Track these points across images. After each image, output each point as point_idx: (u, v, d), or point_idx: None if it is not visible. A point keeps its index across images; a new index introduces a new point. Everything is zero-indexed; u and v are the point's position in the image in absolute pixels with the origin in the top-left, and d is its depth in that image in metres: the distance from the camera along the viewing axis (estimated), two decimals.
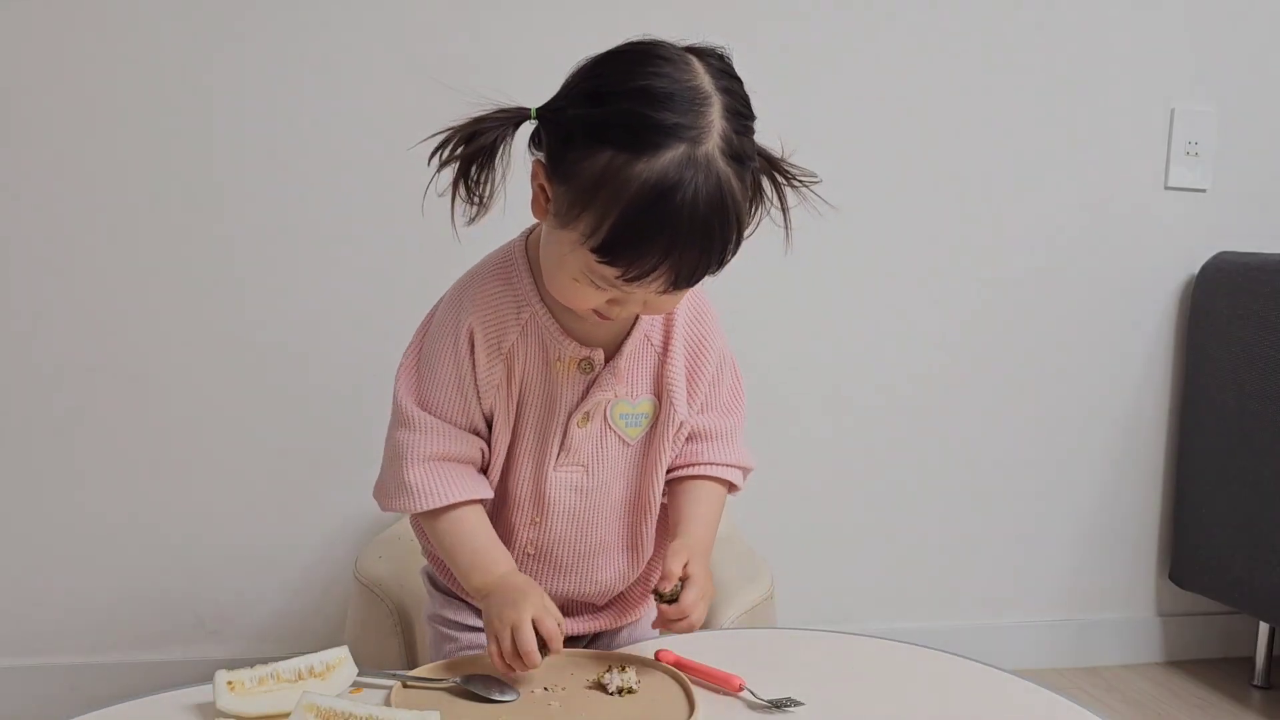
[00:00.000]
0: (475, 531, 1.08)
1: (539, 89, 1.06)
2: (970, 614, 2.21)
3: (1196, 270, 2.20)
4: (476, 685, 0.97)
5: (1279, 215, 2.26)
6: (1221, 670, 2.26)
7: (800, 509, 2.11)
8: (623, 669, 1.00)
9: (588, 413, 1.09)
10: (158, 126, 1.79)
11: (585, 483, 1.11)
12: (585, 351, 1.07)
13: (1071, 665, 2.25)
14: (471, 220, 1.03)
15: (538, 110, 1.02)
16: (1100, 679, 2.21)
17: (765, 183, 1.09)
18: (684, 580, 1.03)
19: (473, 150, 1.03)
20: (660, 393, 1.12)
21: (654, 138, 0.91)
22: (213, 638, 1.92)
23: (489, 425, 1.10)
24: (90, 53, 1.76)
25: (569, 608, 1.19)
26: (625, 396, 1.10)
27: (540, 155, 1.00)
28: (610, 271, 0.94)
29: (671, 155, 0.90)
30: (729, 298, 2.04)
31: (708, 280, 1.03)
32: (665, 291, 0.97)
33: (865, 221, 2.08)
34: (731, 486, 1.18)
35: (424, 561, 1.30)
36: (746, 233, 1.02)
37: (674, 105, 0.92)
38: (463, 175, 1.03)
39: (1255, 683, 2.18)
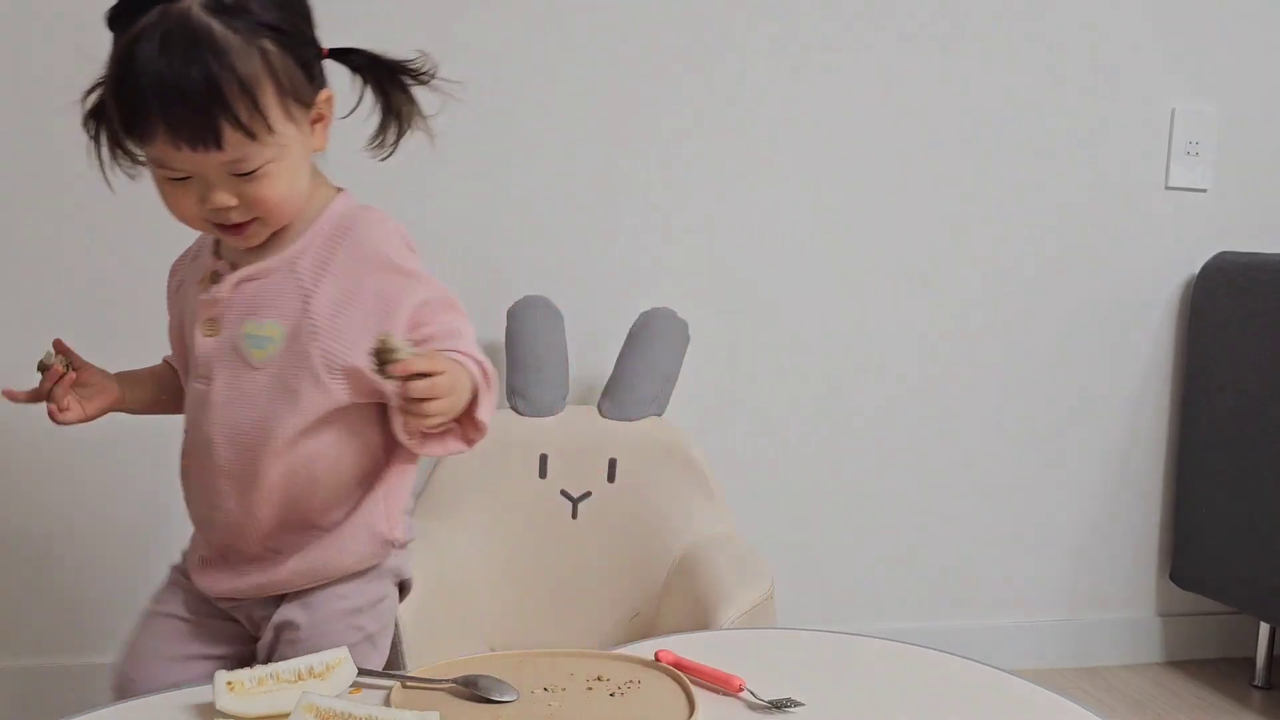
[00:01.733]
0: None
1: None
2: (970, 614, 2.21)
3: (1197, 270, 2.20)
4: (476, 686, 0.97)
5: (1279, 216, 2.26)
6: (1222, 670, 2.26)
7: (800, 509, 2.11)
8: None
9: (213, 321, 1.12)
10: None
11: (209, 396, 1.12)
12: (215, 264, 1.14)
13: (1071, 665, 2.25)
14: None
15: None
16: (1100, 679, 2.20)
17: (394, 89, 1.17)
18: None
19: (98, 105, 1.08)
20: (299, 324, 1.09)
21: (132, 12, 0.98)
22: None
23: None
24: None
25: (229, 555, 1.18)
26: (252, 316, 1.10)
27: None
28: (142, 148, 1.02)
29: (145, 18, 0.97)
30: (729, 298, 2.05)
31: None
32: (183, 149, 0.99)
33: (864, 221, 2.08)
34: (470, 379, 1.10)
35: (420, 562, 1.32)
36: (344, 115, 1.12)
37: None
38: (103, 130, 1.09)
39: (1255, 683, 2.18)
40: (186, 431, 1.18)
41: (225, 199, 1.04)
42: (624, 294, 1.96)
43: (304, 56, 1.06)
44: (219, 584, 1.19)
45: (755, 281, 2.05)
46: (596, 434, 1.76)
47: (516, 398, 1.78)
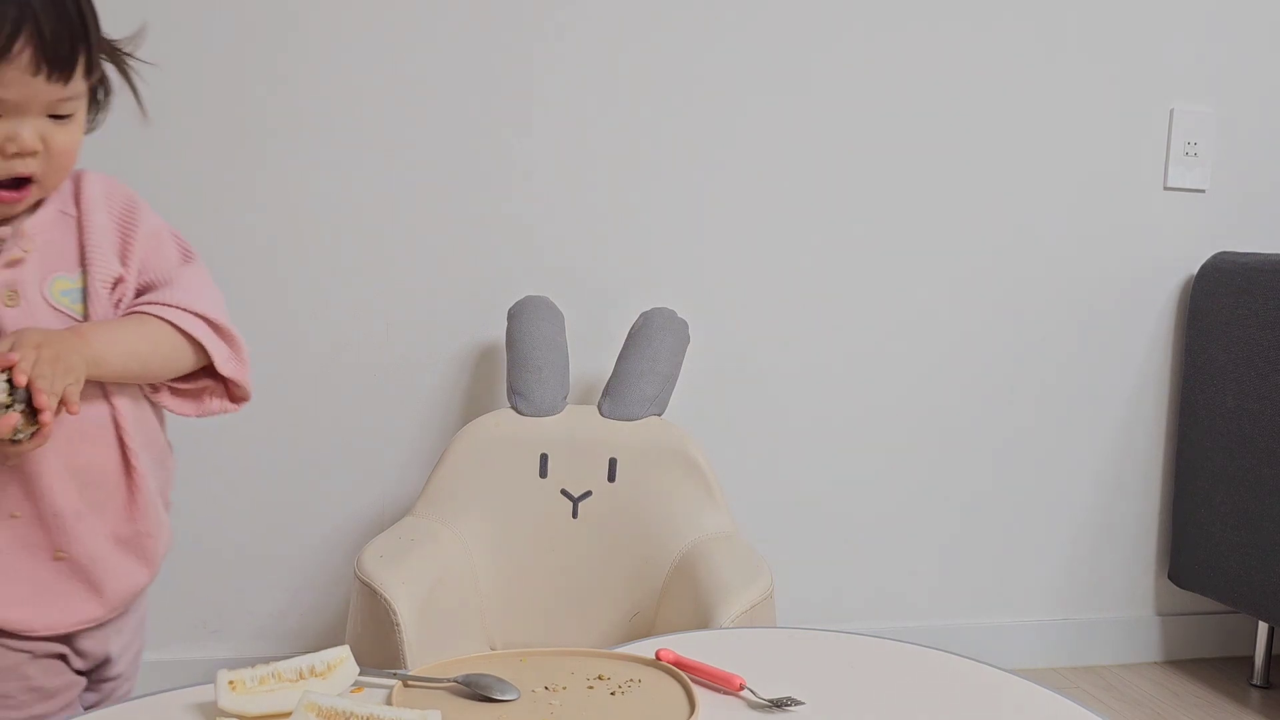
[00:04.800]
0: None
1: None
2: (970, 613, 2.21)
3: (1195, 271, 2.21)
4: (477, 684, 0.98)
5: (1278, 216, 2.26)
6: (1220, 670, 2.26)
7: (800, 509, 2.11)
8: None
9: (12, 290, 1.03)
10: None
11: None
12: None
13: (1070, 665, 2.25)
14: None
15: None
16: (1099, 678, 2.21)
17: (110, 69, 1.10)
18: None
19: None
20: (86, 263, 1.06)
21: None
22: (214, 637, 1.92)
23: None
24: None
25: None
26: (61, 272, 1.05)
27: None
28: None
29: None
30: (730, 299, 2.05)
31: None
32: (43, 76, 0.96)
33: (863, 221, 2.08)
34: (184, 337, 1.07)
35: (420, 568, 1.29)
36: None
37: None
38: None
39: (1254, 682, 2.18)
40: None
41: (34, 141, 0.99)
42: (624, 294, 1.97)
43: None
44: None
45: (755, 281, 2.06)
46: (597, 434, 1.77)
47: (517, 397, 1.78)
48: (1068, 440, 2.22)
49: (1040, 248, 2.16)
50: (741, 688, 0.99)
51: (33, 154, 0.99)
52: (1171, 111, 2.18)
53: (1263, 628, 2.17)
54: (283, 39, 1.83)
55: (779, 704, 0.97)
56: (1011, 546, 2.22)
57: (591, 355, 1.95)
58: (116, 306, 1.07)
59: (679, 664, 1.03)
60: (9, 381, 0.94)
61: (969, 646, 1.32)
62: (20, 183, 1.01)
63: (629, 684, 0.99)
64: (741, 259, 2.04)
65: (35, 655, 1.07)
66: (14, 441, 0.95)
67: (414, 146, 1.89)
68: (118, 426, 1.08)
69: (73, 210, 1.07)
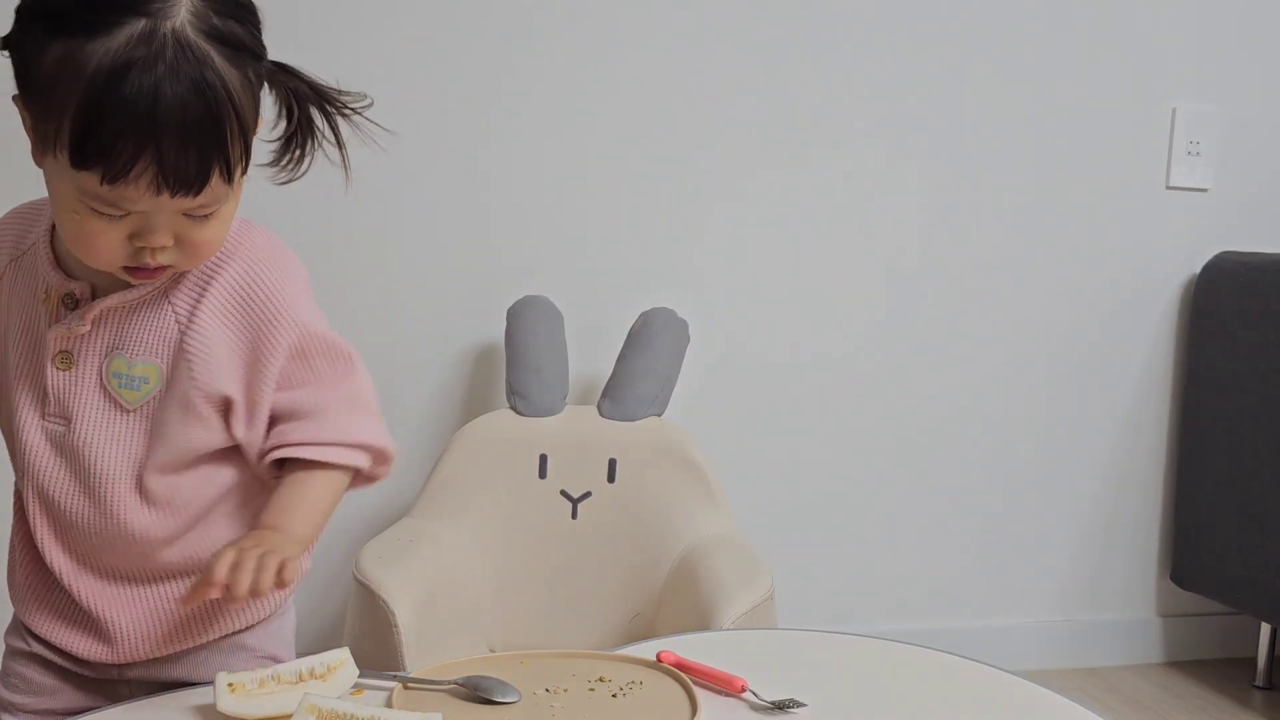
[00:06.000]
0: None
1: None
2: (971, 614, 2.21)
3: (1198, 270, 2.20)
4: (478, 686, 0.97)
5: None
6: (1222, 671, 2.25)
7: (801, 509, 2.11)
8: None
9: (67, 354, 0.97)
10: None
11: (67, 439, 0.98)
12: (69, 284, 0.97)
13: (1072, 666, 2.25)
14: None
15: (2, 39, 0.90)
16: (1101, 679, 2.20)
17: (316, 116, 1.03)
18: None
19: None
20: (174, 362, 0.97)
21: (105, 16, 0.83)
22: None
23: None
24: None
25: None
26: (123, 353, 0.97)
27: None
28: (92, 181, 0.84)
29: (128, 31, 0.82)
30: (730, 299, 2.05)
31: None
32: (166, 194, 0.85)
33: (863, 221, 2.08)
34: (346, 470, 1.02)
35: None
36: (270, 140, 0.98)
37: None
38: None
39: (1256, 683, 2.18)
40: (22, 472, 1.01)
41: (166, 239, 0.90)
42: (624, 294, 1.96)
43: (261, 83, 0.95)
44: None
45: (755, 281, 2.05)
46: (596, 434, 1.76)
47: (516, 398, 1.78)
48: (1069, 440, 2.22)
49: (1042, 247, 2.16)
50: (743, 690, 0.99)
51: (163, 249, 0.91)
52: (1174, 110, 2.18)
53: (1265, 629, 2.17)
54: (281, 38, 1.82)
55: (781, 706, 0.96)
56: (1013, 547, 2.22)
57: (591, 355, 1.94)
58: (226, 417, 0.99)
59: (680, 666, 1.03)
60: None
61: (971, 647, 1.31)
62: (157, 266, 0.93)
63: (630, 686, 0.99)
64: (741, 259, 2.04)
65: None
66: None
67: (413, 146, 1.88)
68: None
69: (184, 307, 0.97)
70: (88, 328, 0.96)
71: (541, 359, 1.79)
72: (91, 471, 0.98)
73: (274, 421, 1.01)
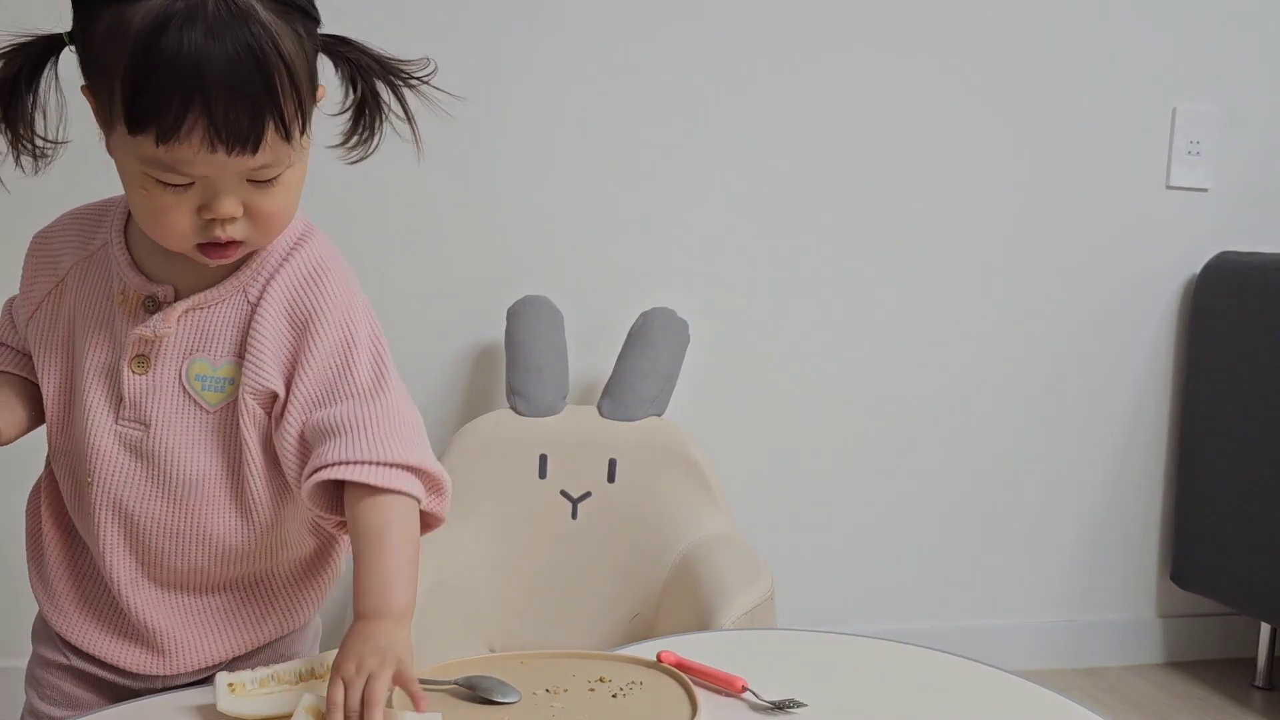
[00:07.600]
0: None
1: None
2: (971, 615, 2.21)
3: (1198, 270, 2.20)
4: (478, 687, 0.97)
5: None
6: (1222, 671, 2.25)
7: (801, 510, 2.11)
8: None
9: (144, 358, 0.95)
10: None
11: (146, 444, 0.96)
12: (151, 287, 0.96)
13: (1072, 666, 2.25)
14: (38, 170, 0.93)
15: (70, 33, 0.90)
16: (1101, 680, 2.20)
17: (382, 88, 1.01)
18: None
19: None
20: (243, 354, 0.95)
21: None
22: None
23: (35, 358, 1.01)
24: None
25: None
26: (205, 354, 0.95)
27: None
28: (149, 145, 0.84)
29: None
30: (730, 299, 2.05)
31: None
32: (222, 151, 0.84)
33: (863, 221, 2.08)
34: (407, 497, 0.95)
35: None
36: (336, 114, 0.97)
37: None
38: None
39: (1256, 684, 2.18)
40: (90, 478, 0.98)
41: (234, 208, 0.88)
42: (624, 294, 1.96)
43: (315, 44, 0.93)
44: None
45: (755, 281, 2.05)
46: (596, 434, 1.76)
47: (516, 398, 1.78)
48: (1070, 441, 2.22)
49: (1043, 247, 2.16)
50: (743, 690, 0.99)
51: (232, 220, 0.90)
52: (1174, 111, 2.18)
53: (1265, 629, 2.17)
54: None
55: (781, 706, 0.96)
56: (1013, 547, 2.22)
57: (591, 355, 1.94)
58: (270, 417, 0.97)
59: (680, 666, 1.03)
60: None
61: (971, 648, 1.31)
62: (228, 242, 0.92)
63: (630, 686, 0.99)
64: (741, 259, 2.04)
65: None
66: None
67: (412, 146, 1.88)
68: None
69: (254, 292, 0.96)
70: (172, 329, 0.95)
71: (541, 359, 1.79)
72: (175, 475, 0.96)
73: (311, 445, 0.95)
